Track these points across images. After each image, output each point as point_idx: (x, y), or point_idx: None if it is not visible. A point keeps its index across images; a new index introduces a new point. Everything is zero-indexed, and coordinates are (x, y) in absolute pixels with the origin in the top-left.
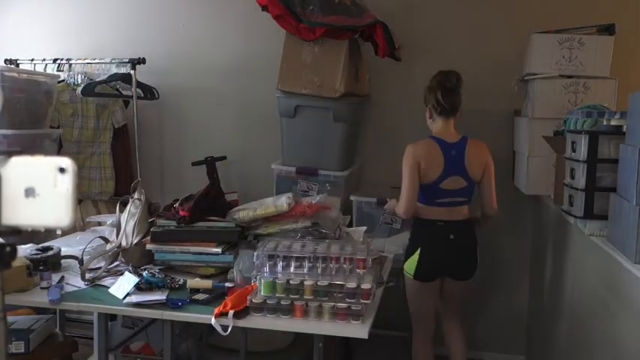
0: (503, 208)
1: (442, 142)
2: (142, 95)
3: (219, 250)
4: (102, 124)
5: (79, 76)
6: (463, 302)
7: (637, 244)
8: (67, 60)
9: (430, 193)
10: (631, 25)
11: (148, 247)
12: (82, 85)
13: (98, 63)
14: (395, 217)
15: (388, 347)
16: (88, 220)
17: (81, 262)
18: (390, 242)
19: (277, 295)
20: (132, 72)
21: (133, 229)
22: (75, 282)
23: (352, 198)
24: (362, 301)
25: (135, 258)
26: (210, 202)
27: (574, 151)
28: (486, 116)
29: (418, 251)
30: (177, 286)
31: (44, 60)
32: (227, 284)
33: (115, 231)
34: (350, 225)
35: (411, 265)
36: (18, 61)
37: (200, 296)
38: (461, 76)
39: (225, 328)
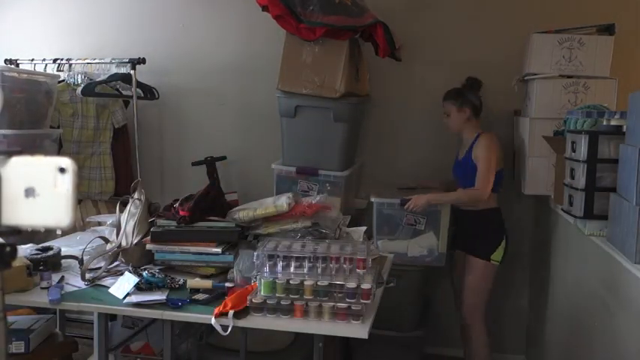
0: (503, 208)
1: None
2: (142, 95)
3: (219, 250)
4: (102, 124)
5: (79, 76)
6: None
7: (637, 244)
8: (67, 60)
9: (498, 179)
10: (631, 25)
11: (148, 247)
12: (82, 85)
13: (98, 63)
14: (419, 218)
15: (388, 347)
16: (88, 220)
17: (81, 262)
18: (414, 244)
19: (277, 295)
20: (132, 72)
21: (133, 229)
22: (75, 282)
23: (373, 199)
24: (362, 301)
25: (135, 258)
26: (210, 202)
27: (574, 151)
28: (486, 116)
29: (504, 237)
30: (177, 286)
31: (44, 60)
32: (227, 284)
33: (115, 231)
34: (369, 228)
35: (499, 253)
36: (18, 61)
37: (200, 296)
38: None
39: (225, 328)
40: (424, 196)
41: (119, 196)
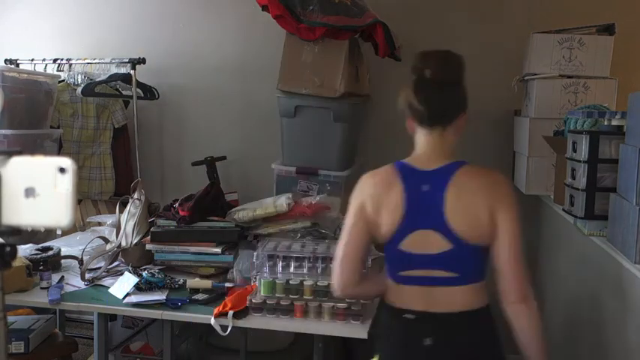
0: None
1: (407, 171)
2: (142, 95)
3: (219, 250)
4: (102, 124)
5: (79, 76)
6: None
7: (637, 244)
8: (67, 60)
9: (392, 259)
10: (631, 25)
11: (148, 247)
12: (82, 85)
13: (98, 63)
14: None
15: None
16: (88, 220)
17: (81, 262)
18: None
19: (277, 295)
20: (132, 72)
21: (133, 229)
22: (75, 282)
23: None
24: (362, 301)
25: (135, 258)
26: (210, 202)
27: (575, 151)
28: (486, 116)
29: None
30: (177, 286)
31: (44, 60)
32: (227, 284)
33: (115, 231)
34: None
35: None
36: (18, 61)
37: (200, 296)
38: (458, 59)
39: (224, 328)
40: None
41: (119, 196)
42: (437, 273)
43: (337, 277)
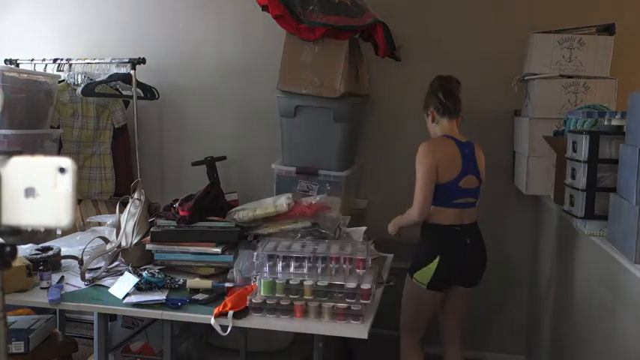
0: (503, 208)
1: (456, 140)
2: (142, 95)
3: (218, 250)
4: (102, 124)
5: (79, 76)
6: (467, 314)
7: (637, 244)
8: (67, 60)
9: (447, 192)
10: (631, 25)
11: (148, 247)
12: (82, 85)
13: (98, 63)
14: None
15: (388, 347)
16: (88, 220)
17: (81, 262)
18: None
19: (277, 295)
20: (132, 72)
21: (133, 229)
22: (75, 282)
23: None
24: (362, 301)
25: (135, 258)
26: (210, 202)
27: (575, 151)
28: (486, 116)
29: (437, 259)
30: (177, 286)
31: (44, 60)
32: (227, 284)
33: (115, 231)
34: None
35: (425, 274)
36: (18, 61)
37: (200, 296)
38: (459, 81)
39: (224, 328)
40: (391, 223)
41: (119, 196)
42: (471, 200)
43: (421, 206)
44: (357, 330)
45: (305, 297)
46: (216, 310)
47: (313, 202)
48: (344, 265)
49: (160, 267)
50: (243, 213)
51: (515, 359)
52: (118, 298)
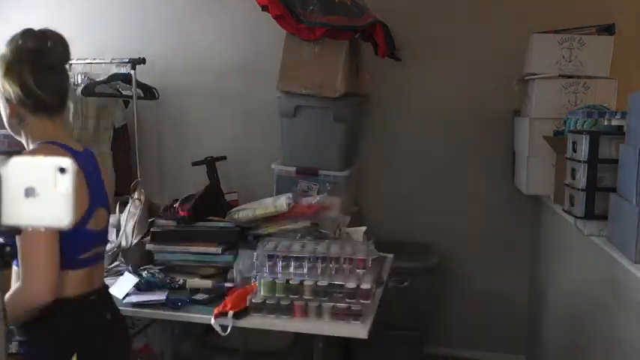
0: (503, 208)
1: (73, 152)
2: (142, 95)
3: (219, 250)
4: (102, 124)
5: (79, 76)
6: None
7: (637, 244)
8: None
9: (71, 244)
10: (631, 25)
11: (148, 247)
12: (82, 85)
13: (98, 63)
14: None
15: (388, 347)
16: None
17: None
18: None
19: (277, 295)
20: (132, 72)
21: (133, 229)
22: None
23: None
24: (361, 301)
25: (135, 258)
26: (210, 202)
27: (575, 151)
28: (486, 116)
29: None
30: (177, 286)
31: None
32: (227, 284)
33: (115, 231)
34: None
35: None
36: None
37: (200, 296)
38: (63, 36)
39: (224, 328)
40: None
41: (119, 196)
42: (101, 249)
43: (47, 277)
44: (357, 330)
45: (305, 297)
46: (216, 310)
47: (313, 202)
48: (344, 265)
49: (160, 267)
50: (243, 213)
51: (515, 359)
52: (117, 298)
